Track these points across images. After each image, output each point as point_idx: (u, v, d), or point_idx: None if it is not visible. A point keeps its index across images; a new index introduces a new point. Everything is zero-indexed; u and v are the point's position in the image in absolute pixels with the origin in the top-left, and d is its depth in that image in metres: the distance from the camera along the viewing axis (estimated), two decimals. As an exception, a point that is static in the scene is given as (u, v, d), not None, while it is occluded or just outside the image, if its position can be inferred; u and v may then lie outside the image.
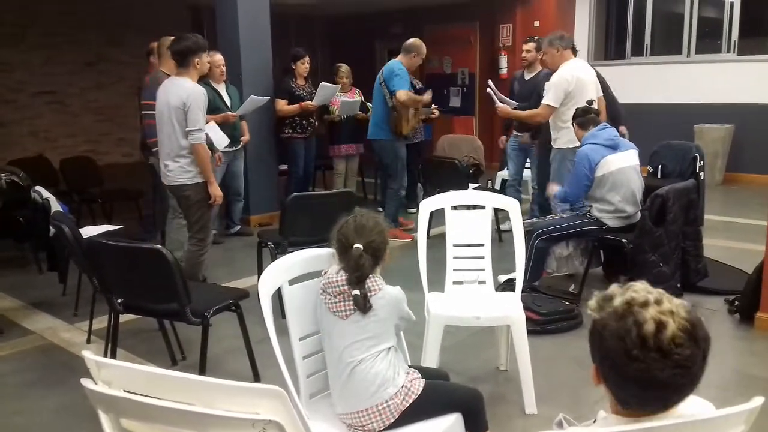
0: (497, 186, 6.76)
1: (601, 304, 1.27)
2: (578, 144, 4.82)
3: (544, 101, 4.92)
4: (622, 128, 5.50)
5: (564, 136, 4.91)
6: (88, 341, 3.89)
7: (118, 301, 3.12)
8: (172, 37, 4.78)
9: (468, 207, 3.50)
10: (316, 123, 6.81)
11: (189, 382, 1.24)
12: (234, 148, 5.95)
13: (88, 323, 3.93)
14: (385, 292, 2.08)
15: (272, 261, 4.16)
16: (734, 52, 8.83)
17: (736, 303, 4.11)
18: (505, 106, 5.40)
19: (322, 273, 2.19)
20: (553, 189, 4.60)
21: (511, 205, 3.22)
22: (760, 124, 8.51)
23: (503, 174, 6.79)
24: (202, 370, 3.02)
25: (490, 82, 6.04)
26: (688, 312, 1.23)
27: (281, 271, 2.16)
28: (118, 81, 10.44)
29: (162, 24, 10.54)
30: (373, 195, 8.10)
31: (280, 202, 6.98)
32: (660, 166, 6.41)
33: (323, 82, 6.33)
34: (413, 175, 7.32)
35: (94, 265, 3.18)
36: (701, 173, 6.26)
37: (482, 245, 3.26)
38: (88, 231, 4.39)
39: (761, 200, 7.63)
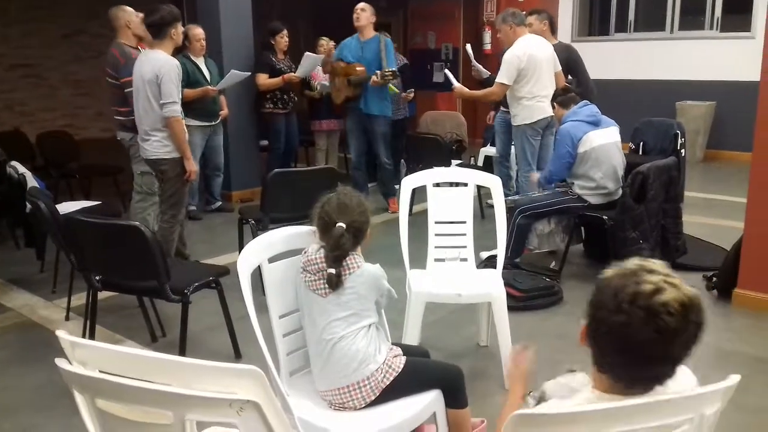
0: (480, 162, 6.74)
1: (616, 269, 1.28)
2: (535, 120, 4.90)
3: (497, 80, 4.90)
4: None
5: (520, 113, 4.95)
6: (67, 318, 3.85)
7: (97, 278, 3.09)
8: (123, 7, 4.70)
9: (451, 184, 3.49)
10: (296, 98, 6.74)
11: (165, 363, 1.23)
12: (213, 123, 5.88)
13: (67, 300, 3.89)
14: (363, 270, 2.07)
15: (253, 238, 4.17)
16: (717, 29, 8.84)
17: (714, 279, 4.15)
18: (461, 86, 5.36)
19: (303, 251, 2.18)
20: (535, 177, 4.61)
21: (492, 182, 3.22)
22: (742, 101, 8.53)
23: (486, 150, 6.77)
24: (182, 348, 3.01)
25: (468, 46, 6.00)
26: (695, 295, 1.23)
27: (261, 249, 2.14)
28: (97, 54, 10.23)
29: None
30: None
31: (262, 177, 6.95)
32: (641, 143, 6.43)
33: (307, 52, 6.25)
34: (397, 151, 7.30)
35: (71, 242, 3.13)
36: (682, 150, 6.30)
37: (464, 222, 3.25)
38: (66, 207, 4.33)
39: (741, 177, 7.66)
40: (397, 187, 7.29)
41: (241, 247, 4.47)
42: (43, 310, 4.02)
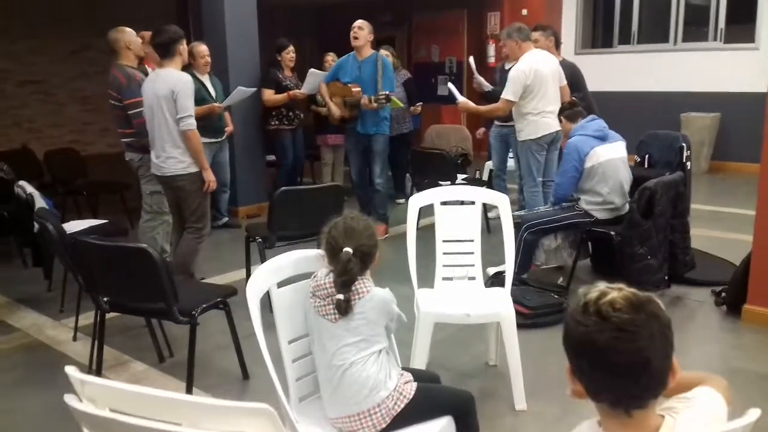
0: (485, 176, 6.73)
1: None
2: (540, 135, 4.90)
3: (503, 96, 4.90)
4: None
5: (526, 128, 4.95)
6: (74, 338, 3.85)
7: (104, 299, 3.08)
8: (123, 28, 4.73)
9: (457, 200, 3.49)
10: (302, 114, 6.76)
11: (176, 402, 1.22)
12: (219, 139, 5.90)
13: (75, 320, 3.89)
14: (372, 294, 2.06)
15: (260, 256, 4.18)
16: (721, 40, 8.84)
17: (723, 294, 4.13)
18: (466, 101, 5.36)
19: (312, 276, 2.17)
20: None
21: (500, 200, 3.21)
22: (746, 112, 8.50)
23: (491, 164, 6.77)
24: (190, 371, 3.00)
25: (471, 59, 5.98)
26: (643, 294, 1.25)
27: (269, 273, 2.13)
28: (102, 70, 10.29)
29: (147, 13, 10.44)
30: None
31: (268, 194, 6.96)
32: (647, 156, 6.42)
33: (312, 69, 6.26)
34: (402, 165, 7.30)
35: (79, 264, 3.13)
36: (688, 163, 6.28)
37: (472, 241, 3.24)
38: (73, 226, 4.34)
39: (747, 189, 7.67)
40: (401, 201, 7.34)
41: (248, 266, 4.49)
42: (50, 330, 4.02)
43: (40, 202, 4.37)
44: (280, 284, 2.19)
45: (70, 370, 1.30)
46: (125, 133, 4.70)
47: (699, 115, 8.67)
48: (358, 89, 5.56)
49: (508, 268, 3.16)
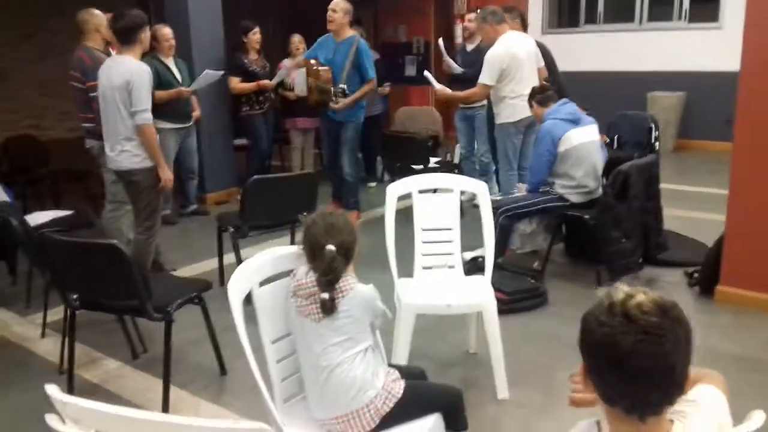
0: (456, 159, 6.71)
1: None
2: (518, 119, 4.86)
3: (480, 80, 4.85)
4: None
5: (503, 111, 4.92)
6: (43, 335, 3.73)
7: (74, 296, 2.97)
8: (92, 10, 4.56)
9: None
10: (272, 96, 6.63)
11: (166, 426, 1.16)
12: (186, 125, 5.76)
13: (42, 316, 3.76)
14: (356, 292, 2.01)
15: (233, 246, 4.09)
16: (686, 20, 8.91)
17: (695, 275, 4.18)
18: (444, 88, 5.31)
19: (291, 274, 2.11)
20: (522, 189, 4.56)
21: (479, 188, 3.18)
22: (710, 91, 8.64)
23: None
24: (166, 368, 2.91)
25: (440, 40, 5.90)
26: (668, 299, 1.23)
27: (250, 273, 2.06)
28: (60, 53, 9.96)
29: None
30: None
31: (238, 180, 6.84)
32: (616, 137, 6.48)
33: (282, 63, 6.15)
34: (373, 147, 7.23)
35: (46, 260, 3.01)
36: (657, 143, 6.35)
37: (451, 229, 3.21)
38: (36, 218, 4.20)
39: (712, 167, 7.79)
40: (372, 184, 7.29)
41: (220, 256, 4.40)
42: (17, 327, 3.89)
43: (1, 196, 4.20)
44: (261, 283, 2.13)
45: (52, 390, 1.23)
46: (86, 117, 4.55)
47: (665, 95, 8.75)
48: (328, 75, 5.44)
49: (488, 256, 3.14)
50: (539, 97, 4.38)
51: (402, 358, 2.83)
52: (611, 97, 8.21)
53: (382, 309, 2.08)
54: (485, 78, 4.80)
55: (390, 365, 2.17)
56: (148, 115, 3.77)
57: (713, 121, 8.76)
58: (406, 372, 2.15)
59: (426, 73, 5.53)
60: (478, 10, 5.96)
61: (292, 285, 2.06)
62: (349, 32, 5.52)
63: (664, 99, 8.72)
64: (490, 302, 2.88)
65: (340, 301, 1.98)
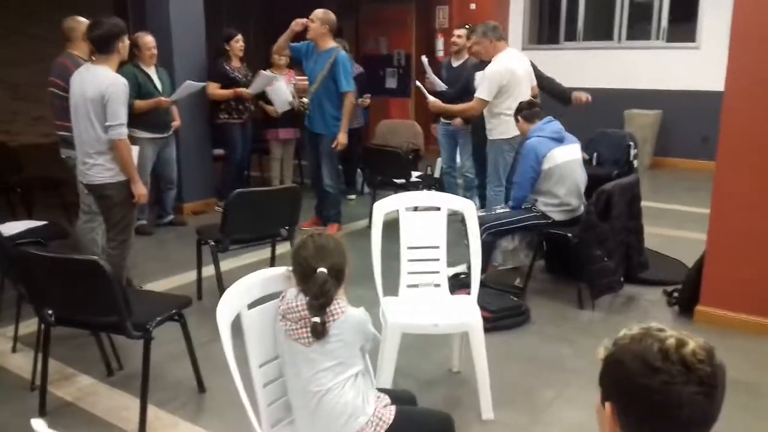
0: (437, 173, 6.70)
1: (615, 343, 1.22)
2: (512, 135, 4.83)
3: (478, 95, 4.84)
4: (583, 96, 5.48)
5: (497, 127, 4.89)
6: (14, 350, 3.61)
7: (49, 312, 2.88)
8: (78, 18, 4.47)
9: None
10: (252, 107, 6.57)
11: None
12: (165, 135, 5.67)
13: (14, 329, 3.65)
14: (348, 315, 1.97)
15: (213, 260, 4.02)
16: (663, 39, 9.04)
17: (674, 294, 4.21)
18: (436, 100, 5.29)
19: (281, 296, 2.06)
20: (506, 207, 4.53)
21: (467, 207, 3.16)
22: (686, 109, 8.78)
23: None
24: (144, 387, 2.83)
25: (424, 58, 5.86)
26: (707, 342, 1.19)
27: (239, 295, 2.01)
28: (34, 56, 9.78)
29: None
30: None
31: (215, 191, 6.75)
32: (595, 154, 6.53)
33: (262, 71, 6.09)
34: (353, 159, 7.20)
35: (22, 274, 2.92)
36: (635, 161, 6.42)
37: (437, 247, 3.18)
38: (9, 228, 4.06)
39: (688, 185, 7.90)
40: (351, 197, 7.24)
41: (199, 270, 4.32)
42: (-14, 341, 3.77)
43: (-28, 204, 4.08)
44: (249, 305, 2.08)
45: (37, 425, 1.17)
46: (63, 125, 4.43)
47: (642, 112, 8.87)
48: (304, 85, 5.43)
49: (474, 275, 3.11)
50: (526, 112, 4.39)
51: (387, 379, 2.79)
52: (589, 114, 8.24)
53: (373, 333, 2.04)
54: (483, 93, 4.79)
55: (380, 390, 2.13)
56: (124, 130, 3.63)
57: (689, 139, 8.89)
58: (396, 397, 2.11)
59: (418, 83, 5.50)
60: (467, 25, 6.00)
61: (281, 308, 2.01)
62: (330, 44, 5.48)
63: (641, 117, 8.83)
64: (477, 322, 2.86)
65: (331, 324, 1.94)
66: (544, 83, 5.42)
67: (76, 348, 3.59)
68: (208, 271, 4.31)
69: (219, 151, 6.86)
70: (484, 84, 4.80)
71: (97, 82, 3.58)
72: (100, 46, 3.67)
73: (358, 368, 2.00)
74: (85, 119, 3.63)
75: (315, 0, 11.51)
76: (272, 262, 4.57)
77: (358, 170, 7.37)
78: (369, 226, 6.12)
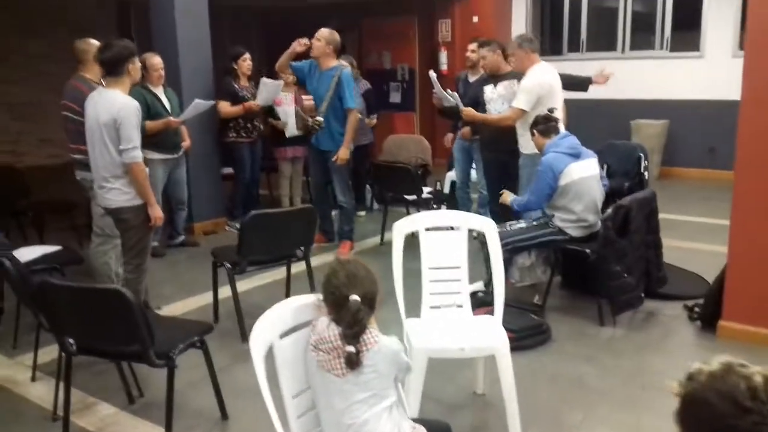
0: (446, 188, 6.68)
1: (691, 377, 1.19)
2: None
3: (516, 104, 4.81)
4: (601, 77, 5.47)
5: (531, 142, 4.84)
6: (33, 378, 3.58)
7: (71, 341, 2.85)
8: (90, 40, 4.47)
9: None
10: (261, 126, 6.57)
11: None
12: (175, 155, 5.65)
13: (32, 357, 3.61)
14: (381, 345, 1.93)
15: (230, 283, 3.99)
16: (667, 49, 9.05)
17: (695, 309, 4.17)
18: (470, 109, 5.26)
19: (311, 326, 2.03)
20: (507, 198, 4.51)
21: (487, 226, 3.13)
22: (693, 119, 8.77)
23: (452, 175, 6.70)
24: (169, 416, 2.80)
25: (432, 73, 5.83)
26: None
27: (271, 326, 1.98)
28: (36, 75, 9.79)
29: (86, 17, 9.99)
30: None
31: (227, 211, 6.73)
32: (605, 166, 6.50)
33: (264, 78, 6.07)
34: (361, 176, 7.18)
35: (43, 304, 2.89)
36: (646, 173, 6.39)
37: (458, 267, 3.15)
38: (24, 254, 4.02)
39: (698, 195, 7.87)
40: (361, 213, 7.22)
41: (215, 293, 4.29)
42: (5, 370, 3.73)
43: (-12, 232, 4.06)
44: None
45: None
46: (78, 149, 4.42)
47: (648, 122, 8.85)
48: (311, 104, 5.44)
49: (498, 296, 3.08)
50: (542, 126, 4.36)
51: (414, 406, 2.73)
52: (596, 126, 8.27)
53: (407, 362, 2.01)
54: (522, 103, 4.76)
55: (415, 420, 2.09)
56: (137, 153, 3.62)
57: (696, 149, 8.88)
58: (432, 427, 2.07)
59: (450, 91, 5.47)
60: (481, 39, 5.99)
61: (313, 338, 1.98)
62: (333, 62, 5.50)
63: (648, 127, 8.82)
64: (503, 345, 2.82)
65: (364, 354, 1.90)
66: (564, 79, 5.41)
67: (95, 375, 3.56)
68: (223, 292, 4.28)
69: (228, 170, 6.85)
70: (522, 95, 4.79)
71: (109, 106, 3.58)
72: (110, 68, 3.67)
73: (392, 399, 1.96)
74: (100, 143, 3.64)
75: (317, 17, 11.60)
76: (288, 282, 4.55)
77: (367, 186, 7.35)
78: (381, 243, 6.17)
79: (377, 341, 1.93)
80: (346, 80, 5.44)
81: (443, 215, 3.52)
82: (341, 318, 1.92)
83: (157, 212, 3.79)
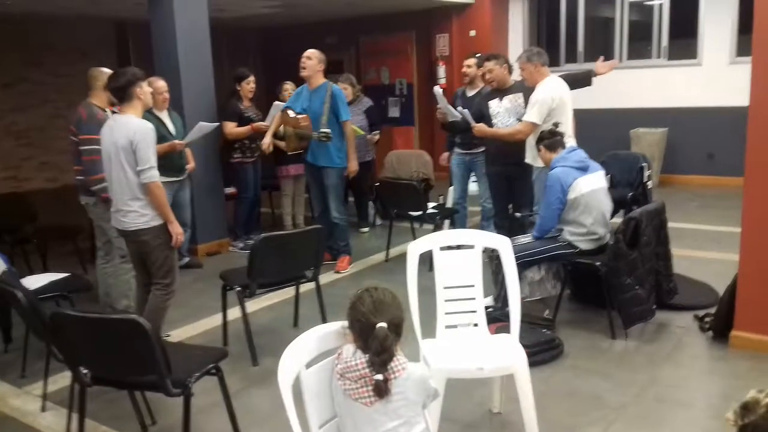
0: (449, 203, 6.67)
1: (746, 407, 1.19)
2: None
3: (528, 118, 4.83)
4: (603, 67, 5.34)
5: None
6: (43, 409, 3.54)
7: (85, 371, 2.82)
8: (102, 69, 4.54)
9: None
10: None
11: None
12: (180, 178, 5.64)
13: (42, 387, 3.58)
14: (409, 372, 1.92)
15: (240, 306, 3.96)
16: (665, 57, 9.09)
17: (706, 319, 4.16)
18: (482, 125, 5.27)
19: (337, 354, 2.01)
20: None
21: (501, 243, 3.12)
22: (691, 126, 8.81)
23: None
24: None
25: (437, 89, 5.82)
26: None
27: (297, 356, 1.96)
28: (39, 102, 9.84)
29: (85, 42, 10.03)
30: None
31: (230, 231, 6.71)
32: (608, 176, 6.50)
33: (277, 102, 6.09)
34: (364, 192, 7.18)
35: (56, 334, 2.86)
36: (649, 183, 6.40)
37: (473, 286, 3.13)
38: (31, 282, 4.02)
39: (698, 202, 7.88)
40: (364, 230, 7.21)
41: (224, 316, 4.26)
42: (14, 399, 3.69)
43: (-1, 263, 4.03)
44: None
45: None
46: (78, 170, 4.48)
47: (648, 131, 8.88)
48: (307, 123, 5.47)
49: (514, 314, 3.06)
50: (548, 141, 4.37)
51: (433, 427, 2.70)
52: (596, 135, 8.27)
53: (434, 389, 1.99)
54: (534, 117, 4.78)
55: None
56: (155, 173, 3.69)
57: (695, 156, 8.91)
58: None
59: (461, 110, 5.47)
60: (478, 54, 6.02)
61: (339, 366, 1.96)
62: (322, 80, 5.56)
63: (647, 135, 8.85)
64: (522, 364, 2.80)
65: (392, 382, 1.89)
66: (568, 80, 5.42)
67: (107, 404, 3.52)
68: (230, 313, 4.26)
69: (230, 190, 6.84)
70: (534, 108, 4.80)
71: (125, 130, 3.65)
72: (120, 94, 3.75)
73: (422, 426, 1.95)
74: (118, 167, 3.68)
75: (314, 36, 11.67)
76: (296, 303, 4.53)
77: (370, 203, 7.34)
78: (386, 260, 6.15)
79: (405, 368, 1.92)
80: (338, 94, 5.54)
81: (457, 234, 3.49)
82: (368, 346, 1.90)
83: (177, 229, 3.85)
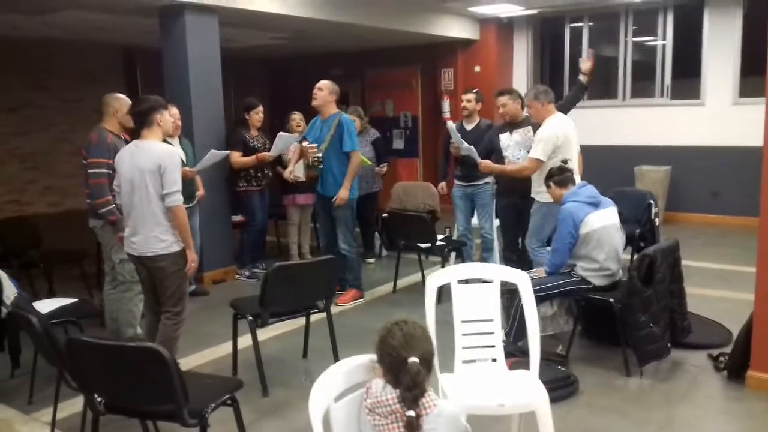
0: (456, 235, 6.66)
1: None
2: None
3: (533, 155, 4.89)
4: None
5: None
6: (51, 436, 3.48)
7: (99, 400, 2.78)
8: (116, 95, 4.57)
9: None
10: (271, 174, 6.59)
11: None
12: (190, 205, 5.61)
13: (52, 413, 3.50)
14: (441, 409, 1.89)
15: (252, 335, 3.93)
16: (667, 96, 9.18)
17: (720, 359, 4.13)
18: (488, 162, 5.34)
19: (365, 388, 1.98)
20: (542, 273, 4.41)
21: (520, 278, 3.11)
22: (694, 165, 8.87)
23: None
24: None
25: (451, 124, 5.84)
26: None
27: (325, 390, 1.93)
28: (44, 126, 9.87)
29: (93, 67, 10.10)
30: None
31: (236, 259, 6.69)
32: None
33: (281, 132, 6.11)
34: (369, 223, 7.18)
35: (70, 361, 2.82)
36: (656, 220, 6.41)
37: (491, 320, 3.11)
38: (41, 307, 3.95)
39: (703, 240, 7.89)
40: (370, 261, 7.19)
41: (235, 345, 4.21)
42: (21, 427, 3.62)
43: (9, 286, 3.99)
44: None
45: None
46: (88, 193, 4.49)
47: (652, 168, 8.93)
48: (314, 150, 5.48)
49: (533, 350, 3.04)
50: (557, 178, 4.39)
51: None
52: (601, 172, 8.30)
53: (465, 426, 1.96)
54: (539, 153, 4.84)
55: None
56: (180, 197, 3.70)
57: (698, 194, 8.96)
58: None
59: (467, 146, 5.50)
60: (476, 90, 6.09)
61: (368, 401, 1.93)
62: (334, 110, 5.58)
63: (651, 173, 8.89)
64: (544, 401, 2.77)
65: (424, 418, 1.86)
66: (567, 102, 5.52)
67: (117, 431, 3.46)
68: (238, 342, 4.22)
69: (237, 218, 6.84)
70: (539, 145, 4.86)
71: (152, 154, 3.66)
72: (141, 118, 3.78)
73: (452, 463, 1.91)
74: (142, 191, 3.67)
75: (320, 68, 11.79)
76: (306, 333, 4.49)
77: (376, 234, 7.34)
78: (394, 291, 6.12)
79: (436, 405, 1.89)
80: (346, 123, 5.52)
81: (475, 268, 3.48)
82: (399, 380, 1.88)
83: (193, 255, 3.84)
